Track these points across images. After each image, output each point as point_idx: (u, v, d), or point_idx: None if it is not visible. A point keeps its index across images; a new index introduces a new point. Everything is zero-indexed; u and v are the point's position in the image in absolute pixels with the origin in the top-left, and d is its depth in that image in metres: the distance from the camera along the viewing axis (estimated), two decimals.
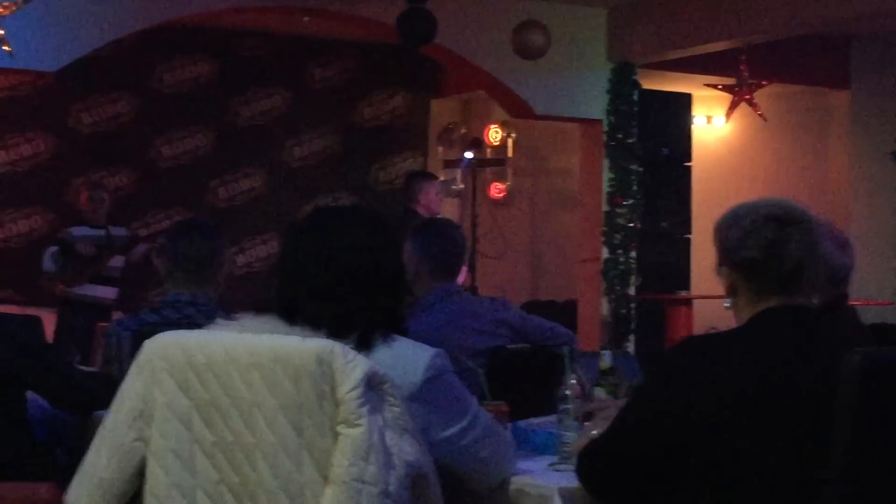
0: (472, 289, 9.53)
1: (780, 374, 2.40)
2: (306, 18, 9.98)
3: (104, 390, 4.12)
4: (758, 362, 2.41)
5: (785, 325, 2.50)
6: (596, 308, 10.31)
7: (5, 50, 7.33)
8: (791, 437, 2.37)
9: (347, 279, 2.54)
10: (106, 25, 8.64)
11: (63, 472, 4.17)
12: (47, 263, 8.98)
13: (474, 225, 10.71)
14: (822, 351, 2.45)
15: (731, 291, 2.60)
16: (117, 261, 9.23)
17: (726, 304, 2.59)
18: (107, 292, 9.18)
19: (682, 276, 10.73)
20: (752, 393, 2.38)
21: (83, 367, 4.59)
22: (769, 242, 2.53)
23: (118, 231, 9.33)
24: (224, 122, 11.28)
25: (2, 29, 7.24)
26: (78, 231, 9.18)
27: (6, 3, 7.22)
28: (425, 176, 8.79)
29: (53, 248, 9.02)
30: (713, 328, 9.60)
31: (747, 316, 2.56)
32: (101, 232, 9.17)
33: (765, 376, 2.39)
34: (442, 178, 10.83)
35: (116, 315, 9.41)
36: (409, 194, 8.28)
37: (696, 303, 10.33)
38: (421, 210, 8.05)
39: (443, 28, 8.81)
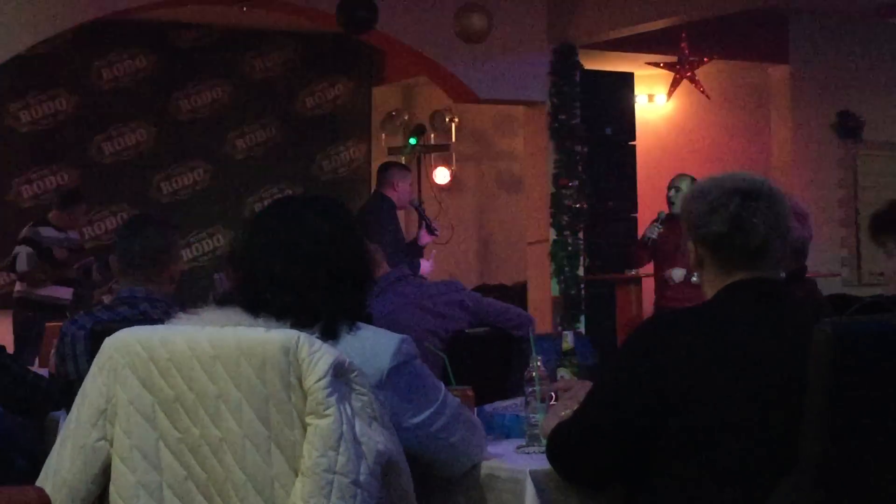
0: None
1: (749, 346, 2.40)
2: (245, 8, 9.89)
3: (58, 392, 4.07)
4: (727, 335, 2.42)
5: (752, 298, 2.50)
6: (546, 290, 10.32)
7: None
8: (763, 409, 2.37)
9: (309, 268, 2.51)
10: (41, 22, 8.52)
11: (21, 476, 4.11)
12: (21, 264, 8.90)
13: None
14: (790, 322, 2.45)
15: (698, 265, 2.60)
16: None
17: (694, 279, 2.59)
18: (65, 293, 9.10)
19: (630, 255, 10.75)
20: (723, 366, 2.38)
21: (34, 369, 4.51)
22: (734, 216, 2.53)
23: (74, 235, 9.29)
24: (165, 116, 11.18)
25: None
26: (46, 232, 9.08)
27: None
28: (403, 167, 8.78)
29: (29, 250, 8.90)
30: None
31: (715, 290, 2.55)
32: (64, 235, 9.12)
33: (735, 348, 2.39)
34: None
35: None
36: (386, 180, 8.23)
37: (644, 282, 10.36)
38: (395, 198, 8.06)
39: (383, 14, 8.76)
